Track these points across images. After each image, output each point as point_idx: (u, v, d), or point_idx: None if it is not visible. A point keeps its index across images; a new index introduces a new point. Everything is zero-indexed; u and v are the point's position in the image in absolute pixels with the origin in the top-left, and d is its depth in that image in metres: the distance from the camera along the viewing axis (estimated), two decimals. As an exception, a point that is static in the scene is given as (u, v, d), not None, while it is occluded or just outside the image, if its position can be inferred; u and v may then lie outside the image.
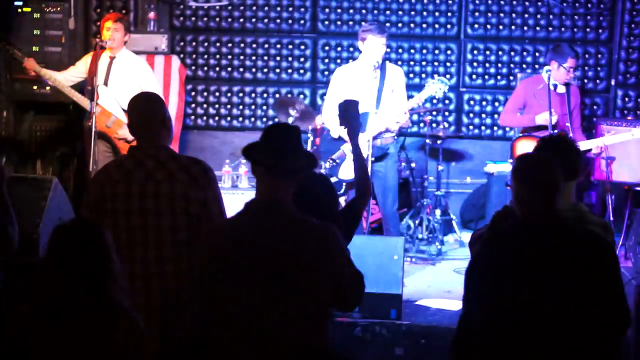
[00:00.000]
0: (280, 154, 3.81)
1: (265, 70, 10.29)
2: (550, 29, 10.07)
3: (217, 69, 10.31)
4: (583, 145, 7.86)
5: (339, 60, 10.17)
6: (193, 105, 10.32)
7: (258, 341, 3.68)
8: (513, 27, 10.12)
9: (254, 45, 10.27)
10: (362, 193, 4.79)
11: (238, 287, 3.72)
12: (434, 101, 10.06)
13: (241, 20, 10.26)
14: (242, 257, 3.73)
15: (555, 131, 7.89)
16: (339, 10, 10.21)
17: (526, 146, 8.10)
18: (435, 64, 10.16)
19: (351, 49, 10.07)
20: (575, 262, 3.72)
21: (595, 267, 3.75)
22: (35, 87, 9.29)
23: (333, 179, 7.75)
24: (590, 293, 3.72)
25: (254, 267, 3.71)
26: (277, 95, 10.18)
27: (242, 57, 10.28)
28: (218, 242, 3.82)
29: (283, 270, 3.72)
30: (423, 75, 10.09)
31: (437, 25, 10.18)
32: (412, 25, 10.19)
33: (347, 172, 7.75)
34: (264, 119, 10.25)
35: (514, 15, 10.11)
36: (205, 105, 10.35)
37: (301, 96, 10.22)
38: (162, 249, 4.36)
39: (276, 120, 9.57)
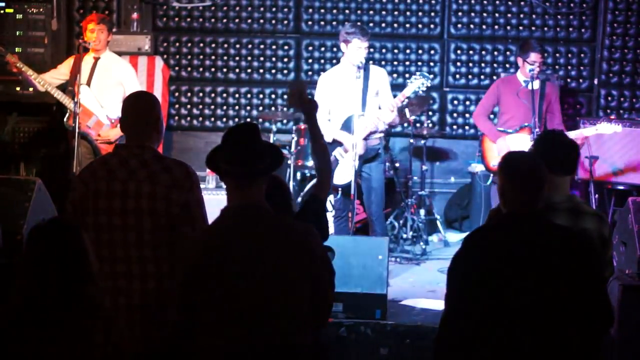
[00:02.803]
0: (244, 159, 3.75)
1: (249, 70, 10.28)
2: (533, 28, 10.10)
3: (201, 69, 10.29)
4: None
5: (322, 61, 10.18)
6: (177, 106, 10.30)
7: (244, 344, 3.66)
8: (496, 26, 10.15)
9: (238, 46, 10.26)
10: (321, 183, 4.63)
11: (222, 293, 3.68)
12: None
13: (224, 20, 10.25)
14: (226, 263, 3.70)
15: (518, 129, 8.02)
16: (322, 11, 10.21)
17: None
18: (419, 63, 10.18)
19: (335, 49, 10.07)
20: (557, 260, 3.73)
21: (578, 265, 3.76)
22: (18, 89, 9.24)
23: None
24: (572, 291, 3.73)
25: (238, 272, 3.68)
26: (261, 96, 10.19)
27: (225, 58, 10.27)
28: (201, 251, 3.77)
29: (267, 272, 3.69)
30: (407, 75, 10.06)
31: (420, 25, 10.20)
32: (395, 25, 10.20)
33: (340, 176, 7.75)
34: (248, 120, 10.23)
35: (497, 15, 10.14)
36: (188, 106, 10.33)
37: (285, 96, 10.24)
38: (143, 249, 4.31)
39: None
